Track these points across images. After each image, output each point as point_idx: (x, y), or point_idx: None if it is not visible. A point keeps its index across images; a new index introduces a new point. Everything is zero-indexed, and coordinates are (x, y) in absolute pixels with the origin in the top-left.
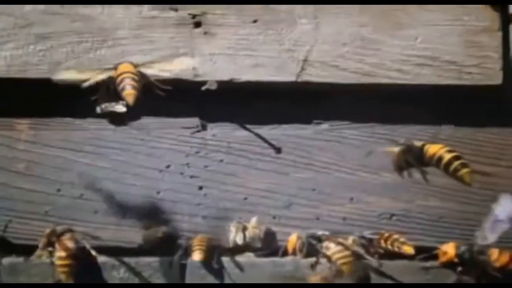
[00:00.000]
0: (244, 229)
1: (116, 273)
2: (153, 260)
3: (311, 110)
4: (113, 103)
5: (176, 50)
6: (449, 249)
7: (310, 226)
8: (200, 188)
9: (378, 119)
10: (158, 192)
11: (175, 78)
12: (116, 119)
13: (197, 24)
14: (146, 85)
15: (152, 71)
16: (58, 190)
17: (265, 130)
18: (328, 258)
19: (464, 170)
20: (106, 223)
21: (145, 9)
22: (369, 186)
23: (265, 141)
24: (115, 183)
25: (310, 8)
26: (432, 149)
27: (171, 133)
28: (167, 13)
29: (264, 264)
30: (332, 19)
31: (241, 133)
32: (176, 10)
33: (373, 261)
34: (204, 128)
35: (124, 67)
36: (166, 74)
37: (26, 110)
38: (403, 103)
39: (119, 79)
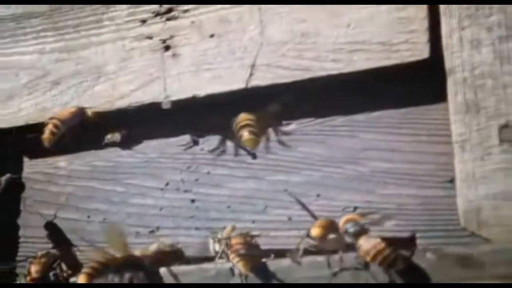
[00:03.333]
0: (218, 239)
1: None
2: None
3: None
4: (115, 134)
5: (151, 76)
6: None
7: (283, 227)
8: (193, 201)
9: (337, 111)
10: (161, 209)
11: (151, 102)
12: (125, 145)
13: (167, 48)
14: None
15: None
16: (88, 216)
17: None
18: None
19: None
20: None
21: (127, 42)
22: (333, 180)
23: (243, 149)
24: (129, 206)
25: (256, 13)
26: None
27: (167, 153)
28: (144, 41)
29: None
30: (276, 20)
31: (223, 144)
32: (151, 38)
33: None
34: (196, 143)
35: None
36: (144, 99)
37: (63, 149)
38: (344, 92)
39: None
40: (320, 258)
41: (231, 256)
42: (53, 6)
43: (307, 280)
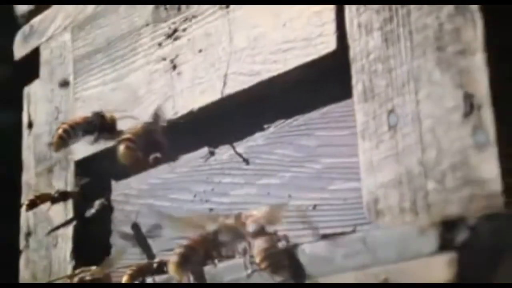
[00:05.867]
0: None
1: None
2: None
3: (261, 116)
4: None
5: (165, 95)
6: None
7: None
8: (211, 210)
9: (298, 111)
10: None
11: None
12: (165, 163)
13: (174, 67)
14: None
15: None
16: (149, 231)
17: (242, 143)
18: None
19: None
20: None
21: (151, 65)
22: (299, 180)
23: (239, 155)
24: None
25: (226, 23)
26: None
27: (193, 166)
28: (161, 63)
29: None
30: (240, 27)
31: (228, 153)
32: (165, 59)
33: None
34: (212, 154)
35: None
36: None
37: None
38: (299, 91)
39: None
40: (239, 261)
41: None
42: (110, 39)
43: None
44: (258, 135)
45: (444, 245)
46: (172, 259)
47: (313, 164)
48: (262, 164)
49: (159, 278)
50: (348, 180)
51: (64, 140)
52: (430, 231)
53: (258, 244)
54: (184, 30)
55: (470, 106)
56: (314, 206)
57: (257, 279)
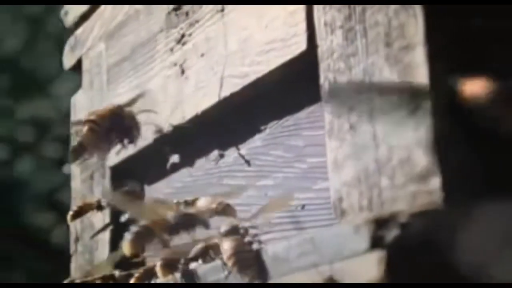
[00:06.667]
0: None
1: None
2: None
3: (257, 117)
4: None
5: (176, 100)
6: None
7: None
8: None
9: (288, 111)
10: None
11: (176, 125)
12: (182, 167)
13: (183, 72)
14: None
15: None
16: None
17: (245, 145)
18: None
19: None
20: None
21: (165, 71)
22: (289, 180)
23: (241, 156)
24: None
25: (221, 26)
26: None
27: (206, 169)
28: (173, 69)
29: None
30: (233, 29)
31: (233, 155)
32: (176, 64)
33: None
34: (222, 156)
35: None
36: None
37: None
38: (285, 91)
39: None
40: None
41: None
42: (133, 46)
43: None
44: (257, 136)
45: (375, 244)
46: (126, 236)
47: (300, 164)
48: (260, 166)
49: None
50: (327, 180)
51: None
52: (363, 229)
53: (227, 244)
54: (190, 35)
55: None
56: (303, 206)
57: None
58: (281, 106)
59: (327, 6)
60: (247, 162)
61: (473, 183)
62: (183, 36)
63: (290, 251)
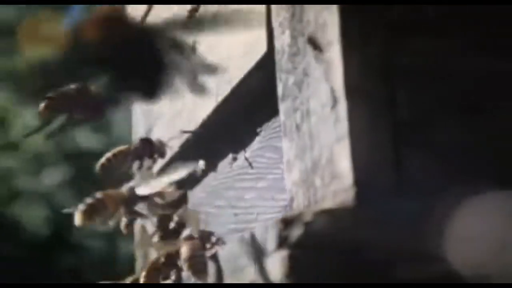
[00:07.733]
0: None
1: None
2: None
3: (254, 119)
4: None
5: (190, 106)
6: None
7: None
8: (236, 215)
9: (275, 113)
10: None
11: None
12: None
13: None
14: None
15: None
16: None
17: (249, 148)
18: None
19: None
20: None
21: None
22: (278, 182)
23: (247, 160)
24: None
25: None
26: None
27: (223, 173)
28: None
29: None
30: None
31: (242, 158)
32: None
33: None
34: (235, 160)
35: None
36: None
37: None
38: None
39: None
40: None
41: None
42: None
43: None
44: (257, 139)
45: (281, 243)
46: (80, 207)
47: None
48: (259, 168)
49: None
50: None
51: (106, 168)
52: (271, 229)
53: (185, 248)
54: (196, 43)
55: (333, 99)
56: (287, 207)
57: None
58: (270, 108)
59: (280, 7)
60: (250, 165)
61: (386, 182)
62: (194, 42)
63: (235, 253)
